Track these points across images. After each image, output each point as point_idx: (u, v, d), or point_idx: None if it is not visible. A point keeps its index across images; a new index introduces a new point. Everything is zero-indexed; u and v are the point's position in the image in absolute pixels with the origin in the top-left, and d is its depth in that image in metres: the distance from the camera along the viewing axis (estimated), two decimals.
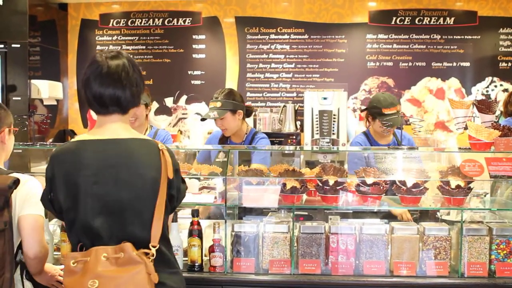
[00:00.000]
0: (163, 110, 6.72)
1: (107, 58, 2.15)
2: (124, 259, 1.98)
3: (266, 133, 5.90)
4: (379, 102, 3.79)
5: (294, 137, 5.84)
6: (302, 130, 5.98)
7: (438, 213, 3.44)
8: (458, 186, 2.87)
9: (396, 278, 2.83)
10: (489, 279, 2.82)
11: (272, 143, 5.87)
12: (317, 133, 5.75)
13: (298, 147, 5.74)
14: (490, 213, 3.41)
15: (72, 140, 2.19)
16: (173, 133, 6.43)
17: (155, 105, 6.70)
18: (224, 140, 3.99)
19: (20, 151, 3.85)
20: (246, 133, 3.97)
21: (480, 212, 3.34)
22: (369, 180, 2.92)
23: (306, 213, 3.68)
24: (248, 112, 3.98)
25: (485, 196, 3.77)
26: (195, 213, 2.93)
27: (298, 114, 6.07)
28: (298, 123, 6.09)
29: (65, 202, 2.08)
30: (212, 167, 3.18)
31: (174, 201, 2.21)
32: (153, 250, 2.03)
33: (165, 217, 2.13)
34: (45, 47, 6.42)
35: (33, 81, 5.84)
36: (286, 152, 5.63)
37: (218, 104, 3.79)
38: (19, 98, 5.83)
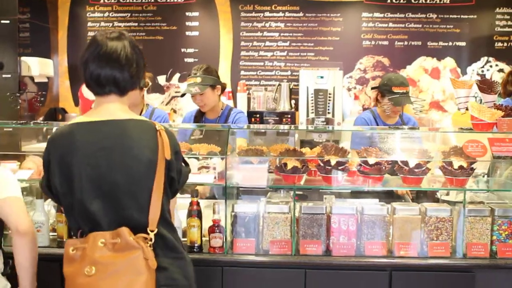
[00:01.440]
0: (156, 88, 6.62)
1: (108, 38, 2.11)
2: (121, 245, 1.94)
3: (260, 112, 5.90)
4: (390, 80, 3.84)
5: (289, 116, 5.78)
6: (297, 109, 5.93)
7: (437, 193, 3.42)
8: (460, 167, 2.85)
9: (398, 259, 2.81)
10: (490, 260, 2.81)
11: (267, 122, 5.83)
12: (312, 112, 5.70)
13: (293, 126, 5.69)
14: (488, 194, 3.39)
15: (69, 122, 2.14)
16: (166, 111, 6.36)
17: (149, 84, 6.59)
18: (199, 116, 4.02)
19: (11, 130, 3.77)
20: (222, 109, 4.02)
21: (479, 192, 3.33)
22: (371, 161, 2.89)
23: (301, 193, 3.65)
24: (222, 88, 4.04)
25: (483, 176, 3.76)
26: (194, 193, 2.88)
27: (293, 93, 6.01)
28: (293, 102, 6.04)
29: (61, 186, 2.04)
30: (210, 146, 3.12)
31: (175, 184, 2.16)
32: (151, 235, 1.99)
33: (164, 200, 2.08)
34: (35, 23, 6.29)
35: (23, 58, 5.71)
36: (280, 131, 5.60)
37: (198, 79, 3.85)
38: (9, 76, 5.69)
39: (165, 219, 2.11)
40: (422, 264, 2.80)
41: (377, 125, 3.93)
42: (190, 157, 3.04)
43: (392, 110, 3.83)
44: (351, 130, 4.09)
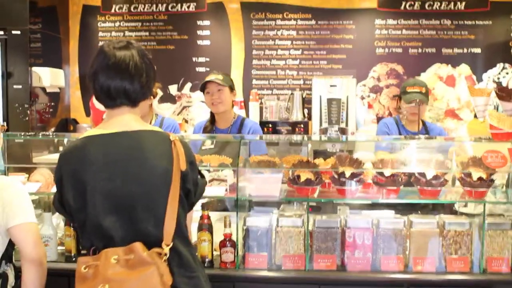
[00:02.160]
0: (167, 98, 6.58)
1: (115, 48, 2.05)
2: (135, 261, 1.87)
3: (273, 122, 5.83)
4: (406, 83, 4.05)
5: (302, 125, 5.70)
6: (310, 118, 5.85)
7: (455, 205, 3.32)
8: (480, 178, 2.75)
9: (415, 275, 2.72)
10: None
11: (279, 132, 5.75)
12: (326, 122, 5.62)
13: (305, 136, 5.61)
14: (508, 206, 3.27)
15: (80, 136, 2.08)
16: (177, 121, 6.31)
17: (159, 93, 6.55)
18: (209, 127, 3.94)
19: (22, 141, 3.73)
20: (233, 118, 3.93)
21: (498, 204, 3.22)
22: (387, 172, 2.80)
23: (315, 204, 3.56)
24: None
25: (502, 187, 3.65)
26: (205, 207, 2.81)
27: (306, 102, 5.93)
28: (306, 111, 5.96)
29: (74, 202, 1.98)
30: (222, 158, 3.05)
31: (191, 196, 2.09)
32: (166, 249, 1.92)
33: (180, 213, 2.00)
34: (46, 33, 6.27)
35: (34, 68, 5.69)
36: (293, 141, 5.52)
37: (220, 77, 3.82)
38: (20, 86, 5.67)
39: (182, 234, 2.03)
40: (440, 280, 2.70)
41: (399, 131, 3.95)
42: (201, 169, 2.96)
43: (409, 112, 3.87)
44: (365, 141, 4.01)
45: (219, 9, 6.44)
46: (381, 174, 2.80)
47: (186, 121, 6.46)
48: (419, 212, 3.45)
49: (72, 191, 1.98)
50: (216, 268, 2.80)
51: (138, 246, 1.88)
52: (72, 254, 2.92)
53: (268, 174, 2.95)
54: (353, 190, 2.81)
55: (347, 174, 2.79)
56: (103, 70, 2.03)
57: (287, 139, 5.13)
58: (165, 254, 1.91)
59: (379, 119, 5.97)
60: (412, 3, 6.17)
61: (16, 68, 5.66)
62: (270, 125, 5.73)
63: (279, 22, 6.38)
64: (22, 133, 3.30)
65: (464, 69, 6.14)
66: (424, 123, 3.99)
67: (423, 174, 2.78)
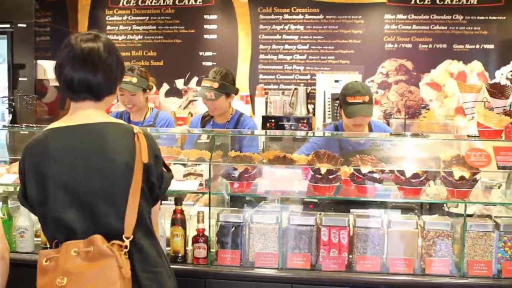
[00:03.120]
0: (174, 92, 6.55)
1: (82, 40, 2.00)
2: (94, 253, 1.84)
3: (277, 117, 5.74)
4: (345, 89, 3.47)
5: (305, 121, 5.60)
6: (314, 114, 5.75)
7: (445, 205, 3.20)
8: (462, 178, 2.63)
9: (392, 276, 2.61)
10: (494, 280, 2.58)
11: (282, 127, 5.67)
12: (329, 117, 5.52)
13: (302, 132, 5.51)
14: (504, 207, 3.14)
15: (45, 129, 2.05)
16: (183, 115, 6.29)
17: (165, 87, 6.54)
18: (207, 120, 3.90)
19: (27, 133, 3.73)
20: (231, 114, 3.89)
21: (491, 205, 3.09)
22: (365, 169, 2.70)
23: (316, 201, 3.47)
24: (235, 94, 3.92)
25: (499, 187, 3.51)
26: (178, 201, 2.76)
27: (311, 97, 5.83)
28: (311, 106, 5.86)
29: (36, 195, 1.96)
30: (201, 152, 3.00)
31: (156, 190, 2.04)
32: (127, 242, 1.88)
33: (143, 206, 1.96)
34: (55, 27, 6.30)
35: (39, 61, 5.73)
36: (297, 137, 5.43)
37: (216, 85, 3.73)
38: (26, 79, 5.73)
39: (145, 228, 1.99)
40: (419, 282, 2.59)
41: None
42: (176, 163, 2.92)
43: (349, 122, 3.45)
44: (366, 138, 3.86)
45: (227, 3, 6.38)
46: (359, 171, 2.70)
47: (192, 115, 6.41)
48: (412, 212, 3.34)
49: (34, 184, 1.96)
50: (188, 264, 2.75)
51: (97, 238, 1.85)
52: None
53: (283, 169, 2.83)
54: (329, 188, 2.71)
55: (323, 170, 2.70)
56: (68, 62, 1.99)
57: (287, 134, 5.04)
58: (126, 247, 1.88)
59: (386, 115, 5.85)
60: None
61: (22, 61, 5.71)
62: (273, 120, 5.64)
63: (286, 16, 6.30)
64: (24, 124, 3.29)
65: (476, 66, 5.96)
66: (369, 125, 3.60)
67: (402, 172, 2.68)
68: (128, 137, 1.99)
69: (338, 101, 3.65)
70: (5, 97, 3.14)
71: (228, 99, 3.79)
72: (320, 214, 2.77)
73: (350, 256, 2.69)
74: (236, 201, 3.08)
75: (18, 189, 2.14)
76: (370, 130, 3.58)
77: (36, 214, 2.09)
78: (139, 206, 1.94)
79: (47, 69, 5.75)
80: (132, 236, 1.91)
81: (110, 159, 1.94)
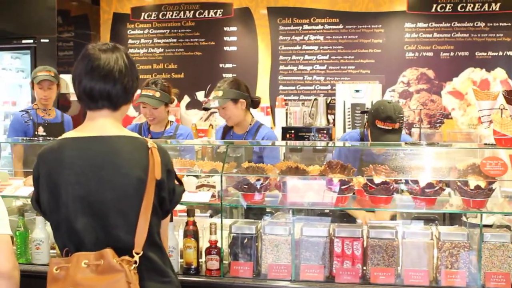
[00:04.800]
0: (194, 104, 6.59)
1: (100, 50, 2.02)
2: (104, 267, 1.86)
3: (296, 128, 5.73)
4: (376, 111, 3.31)
5: (325, 131, 5.57)
6: (334, 124, 5.72)
7: (463, 215, 3.13)
8: (477, 187, 2.57)
9: None
10: None
11: (302, 138, 5.64)
12: (349, 127, 5.48)
13: (322, 142, 5.48)
14: None
15: (60, 137, 2.07)
16: (204, 127, 6.32)
17: (186, 99, 6.58)
18: (227, 130, 3.90)
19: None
20: (250, 124, 3.84)
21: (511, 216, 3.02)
22: (378, 179, 2.66)
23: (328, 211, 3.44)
24: (254, 103, 3.86)
25: None
26: (190, 213, 2.76)
27: (331, 108, 5.80)
28: (332, 117, 5.83)
29: (49, 203, 1.98)
30: (215, 163, 3.00)
31: (166, 204, 2.05)
32: (136, 257, 1.89)
33: (153, 222, 1.97)
34: (77, 41, 6.42)
35: (62, 75, 5.80)
36: (317, 148, 5.40)
37: (220, 93, 3.71)
38: None
39: (154, 242, 2.00)
40: None
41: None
42: (189, 175, 2.93)
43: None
44: (385, 147, 3.80)
45: (246, 15, 6.41)
46: (371, 181, 2.66)
47: (212, 127, 6.44)
48: (433, 223, 3.28)
49: (46, 191, 1.98)
50: (201, 275, 2.73)
51: (108, 252, 1.87)
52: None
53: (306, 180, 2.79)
54: (343, 198, 2.68)
55: (335, 181, 2.67)
56: (87, 73, 2.01)
57: (306, 145, 5.02)
58: (135, 262, 1.89)
59: (408, 125, 5.78)
60: (444, 5, 5.95)
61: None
62: (293, 131, 5.62)
63: (306, 27, 6.29)
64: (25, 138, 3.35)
65: (499, 73, 5.86)
66: None
67: (415, 182, 2.63)
68: (142, 152, 1.99)
69: (366, 115, 3.49)
70: (23, 110, 3.17)
71: (238, 106, 3.71)
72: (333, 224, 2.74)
73: (364, 268, 2.65)
74: (254, 213, 3.08)
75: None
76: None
77: (48, 220, 2.11)
78: (149, 222, 1.95)
79: (69, 83, 5.84)
80: (142, 250, 1.92)
81: (123, 173, 1.95)
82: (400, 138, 3.34)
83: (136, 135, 2.10)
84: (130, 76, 2.05)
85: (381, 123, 3.26)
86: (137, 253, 1.90)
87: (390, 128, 3.26)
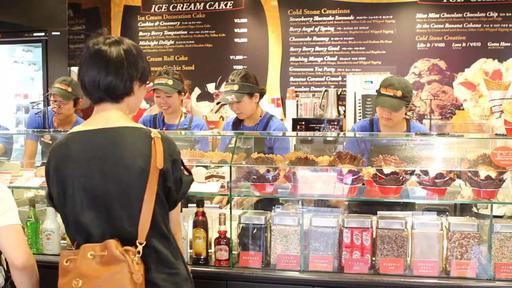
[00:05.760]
0: (205, 96, 6.60)
1: (103, 43, 2.02)
2: (108, 257, 1.87)
3: (307, 119, 5.72)
4: (383, 81, 3.48)
5: (336, 123, 5.56)
6: (345, 116, 5.70)
7: (474, 206, 3.11)
8: (488, 177, 2.55)
9: (416, 279, 2.55)
10: None
11: (312, 129, 5.63)
12: (360, 118, 5.46)
13: (333, 133, 5.47)
14: None
15: (68, 131, 2.09)
16: (215, 119, 6.32)
17: (197, 91, 6.59)
18: (237, 123, 3.88)
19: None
20: (260, 116, 3.82)
21: None
22: (387, 170, 2.65)
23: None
24: (261, 94, 3.83)
25: None
26: (199, 203, 2.76)
27: (342, 99, 5.78)
28: (342, 108, 5.81)
29: (58, 197, 2.01)
30: (224, 154, 3.00)
31: (173, 194, 2.04)
32: (140, 247, 1.90)
33: (157, 211, 1.97)
34: (88, 34, 6.44)
35: (72, 68, 5.86)
36: (327, 139, 5.40)
37: (235, 87, 3.67)
38: None
39: (161, 232, 2.00)
40: (444, 285, 2.52)
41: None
42: (198, 165, 2.93)
43: (380, 115, 3.46)
44: (390, 137, 3.80)
45: (256, 7, 6.39)
46: (381, 171, 2.65)
47: (223, 119, 6.44)
48: (444, 214, 3.26)
49: (56, 185, 2.01)
50: (210, 266, 2.74)
51: (111, 243, 1.88)
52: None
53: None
54: (352, 188, 2.67)
55: (345, 171, 2.66)
56: (89, 64, 2.01)
57: (316, 135, 5.01)
58: (138, 252, 1.89)
59: (419, 116, 5.74)
60: None
61: (56, 69, 5.85)
62: (303, 123, 5.61)
63: (316, 18, 6.26)
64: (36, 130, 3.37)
65: None
66: (408, 123, 3.57)
67: (425, 172, 2.62)
68: (145, 142, 1.98)
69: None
70: (33, 102, 3.19)
71: (252, 99, 3.72)
72: (342, 215, 2.73)
73: (373, 258, 2.65)
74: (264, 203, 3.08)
75: (44, 192, 2.19)
76: (408, 131, 3.54)
77: (59, 214, 2.13)
78: (153, 211, 1.95)
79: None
80: (147, 241, 1.93)
81: (126, 164, 1.95)
82: (398, 107, 3.36)
83: (140, 125, 2.07)
84: (128, 68, 2.01)
85: (384, 89, 3.40)
86: (140, 243, 1.91)
87: (391, 94, 3.35)
